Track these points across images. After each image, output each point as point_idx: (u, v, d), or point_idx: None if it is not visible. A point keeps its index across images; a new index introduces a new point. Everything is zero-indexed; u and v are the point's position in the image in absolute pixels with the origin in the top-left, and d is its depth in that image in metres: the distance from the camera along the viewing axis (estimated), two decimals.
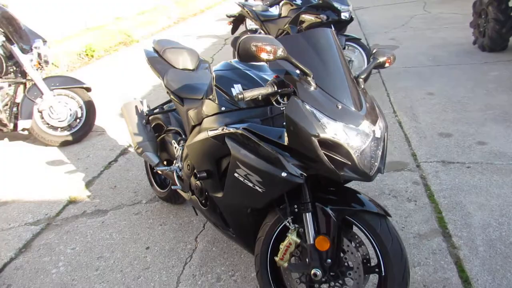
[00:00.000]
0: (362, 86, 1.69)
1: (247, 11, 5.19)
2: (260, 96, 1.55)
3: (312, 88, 1.52)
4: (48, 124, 4.08)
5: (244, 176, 1.69)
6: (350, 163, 1.48)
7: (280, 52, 1.43)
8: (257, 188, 1.67)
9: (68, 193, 3.23)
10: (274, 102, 1.63)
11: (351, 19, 4.55)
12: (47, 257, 2.52)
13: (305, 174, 1.55)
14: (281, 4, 4.93)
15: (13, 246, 2.65)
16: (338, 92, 1.54)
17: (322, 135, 1.44)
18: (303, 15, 4.55)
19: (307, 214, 1.65)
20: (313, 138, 1.45)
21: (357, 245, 1.70)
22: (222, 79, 1.94)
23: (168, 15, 12.05)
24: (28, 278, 2.36)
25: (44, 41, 4.12)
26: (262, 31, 5.15)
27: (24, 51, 3.93)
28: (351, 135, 1.48)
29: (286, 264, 1.72)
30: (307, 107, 1.48)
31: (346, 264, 1.67)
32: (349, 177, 1.51)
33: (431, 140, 3.34)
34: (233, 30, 5.74)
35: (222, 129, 1.80)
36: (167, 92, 2.47)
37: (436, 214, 2.49)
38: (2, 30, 3.84)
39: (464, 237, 2.26)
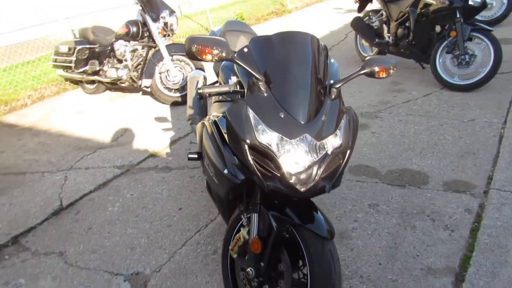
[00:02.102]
0: (333, 96, 1.58)
1: None
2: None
3: (261, 93, 1.52)
4: (164, 85, 4.73)
5: (207, 165, 1.81)
6: (279, 174, 1.46)
7: (223, 54, 1.47)
8: (214, 179, 1.77)
9: (155, 147, 3.78)
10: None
11: (483, 6, 3.86)
12: (112, 196, 3.09)
13: (243, 176, 1.58)
14: None
15: (96, 182, 3.31)
16: (288, 100, 1.50)
17: (251, 142, 1.45)
18: None
19: (253, 214, 1.69)
20: (242, 142, 1.47)
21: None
22: (225, 69, 2.03)
23: None
24: (92, 209, 2.96)
25: (172, 12, 4.71)
26: (384, 12, 4.78)
27: (154, 20, 4.58)
28: (284, 147, 1.45)
29: (235, 256, 1.80)
30: (249, 111, 1.49)
31: (280, 272, 1.66)
32: (277, 189, 1.48)
33: None
34: (360, 9, 5.43)
35: (207, 118, 1.92)
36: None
37: (466, 251, 2.13)
38: (138, 2, 4.54)
39: (477, 287, 1.92)
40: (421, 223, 2.38)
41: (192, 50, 1.46)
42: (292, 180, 1.45)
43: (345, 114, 1.58)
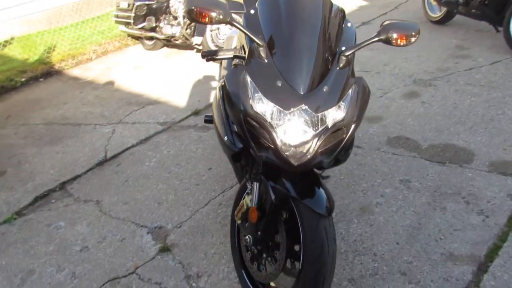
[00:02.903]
0: (341, 65, 1.46)
1: None
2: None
3: (261, 59, 1.44)
4: (215, 43, 4.72)
5: (215, 129, 1.79)
6: (273, 146, 1.40)
7: (221, 16, 1.40)
8: (220, 144, 1.75)
9: (198, 105, 3.84)
10: None
11: None
12: (151, 152, 3.23)
13: (241, 145, 1.55)
14: None
15: (139, 137, 3.47)
16: (288, 68, 1.42)
17: (248, 110, 1.40)
18: None
19: (255, 183, 1.66)
20: (238, 110, 1.43)
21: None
22: None
23: None
24: (132, 162, 3.13)
25: None
26: None
27: None
28: (279, 118, 1.38)
29: (239, 222, 1.80)
30: (247, 78, 1.43)
31: (276, 242, 1.64)
32: (271, 161, 1.43)
33: None
34: None
35: (218, 82, 1.89)
36: None
37: (497, 241, 1.95)
38: None
39: (500, 280, 1.75)
40: (453, 205, 2.20)
41: (190, 13, 1.41)
42: (286, 152, 1.38)
43: (353, 85, 1.46)
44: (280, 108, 1.37)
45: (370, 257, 1.98)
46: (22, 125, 4.01)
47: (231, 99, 1.44)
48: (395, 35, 1.46)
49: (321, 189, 1.56)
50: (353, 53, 1.49)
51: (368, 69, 3.94)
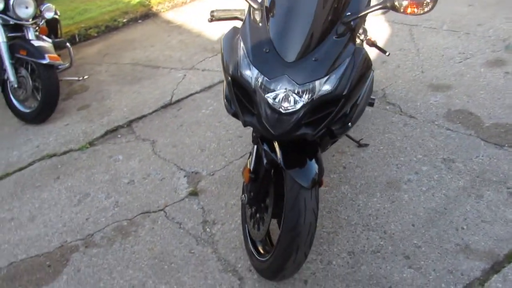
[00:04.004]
0: (339, 33, 1.37)
1: None
2: None
3: (256, 23, 1.43)
4: None
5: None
6: (255, 112, 1.41)
7: None
8: None
9: None
10: None
11: None
12: (210, 99, 3.38)
13: (234, 108, 1.57)
14: None
15: (204, 84, 3.63)
16: (281, 33, 1.39)
17: (235, 74, 1.42)
18: None
19: (254, 146, 1.69)
20: (227, 73, 1.45)
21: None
22: None
23: None
24: (191, 108, 3.33)
25: None
26: None
27: None
28: (263, 85, 1.38)
29: (243, 179, 1.87)
30: (239, 42, 1.44)
31: (266, 205, 1.68)
32: (254, 127, 1.45)
33: None
34: None
35: None
36: None
37: None
38: None
39: (509, 283, 1.57)
40: (492, 194, 1.97)
41: None
42: (267, 120, 1.38)
43: (350, 56, 1.36)
44: (264, 76, 1.35)
45: (379, 234, 1.91)
46: (114, 63, 4.46)
47: (224, 61, 1.46)
48: (405, 2, 1.30)
49: (313, 161, 1.54)
50: (357, 21, 1.38)
51: (457, 29, 3.48)
